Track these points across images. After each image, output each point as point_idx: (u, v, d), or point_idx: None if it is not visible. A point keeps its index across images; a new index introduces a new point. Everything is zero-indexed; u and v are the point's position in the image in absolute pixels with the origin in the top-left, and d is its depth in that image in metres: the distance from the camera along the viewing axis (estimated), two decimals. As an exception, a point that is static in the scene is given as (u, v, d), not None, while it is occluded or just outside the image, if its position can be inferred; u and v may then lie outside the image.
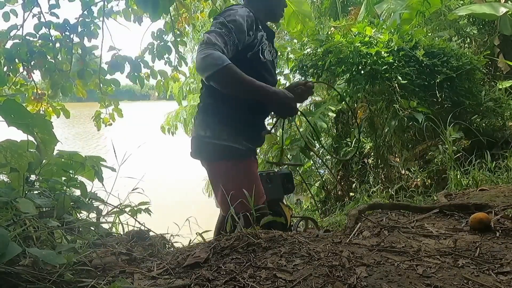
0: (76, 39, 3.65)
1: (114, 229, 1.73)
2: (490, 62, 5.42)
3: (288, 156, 4.53)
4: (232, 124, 1.79)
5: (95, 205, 1.68)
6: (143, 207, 1.72)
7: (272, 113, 1.97)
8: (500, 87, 4.67)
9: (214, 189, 1.89)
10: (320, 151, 5.26)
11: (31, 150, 1.26)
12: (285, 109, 1.66)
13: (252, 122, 1.87)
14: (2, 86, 3.17)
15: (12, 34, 3.41)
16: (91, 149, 13.85)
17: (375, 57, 4.04)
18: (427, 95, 4.07)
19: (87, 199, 1.65)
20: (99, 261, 1.20)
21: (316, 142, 4.92)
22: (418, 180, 4.10)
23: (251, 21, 1.71)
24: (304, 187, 5.50)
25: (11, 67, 3.48)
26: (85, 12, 3.64)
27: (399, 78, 3.93)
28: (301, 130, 4.71)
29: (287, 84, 3.85)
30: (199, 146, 1.86)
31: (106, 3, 3.73)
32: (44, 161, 1.46)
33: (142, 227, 1.58)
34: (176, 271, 1.21)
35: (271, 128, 2.06)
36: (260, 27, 1.81)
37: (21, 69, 3.61)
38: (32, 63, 3.51)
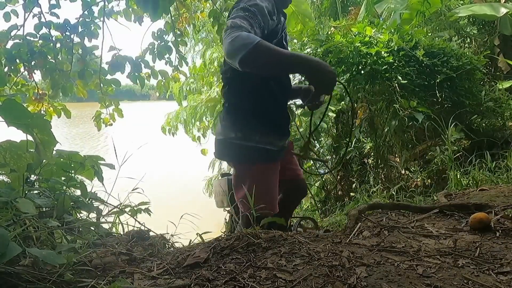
0: (76, 39, 3.64)
1: (114, 229, 1.74)
2: (490, 62, 5.43)
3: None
4: (263, 124, 1.75)
5: (95, 205, 1.69)
6: (143, 207, 1.72)
7: (312, 88, 1.72)
8: (500, 87, 4.67)
9: (236, 187, 1.84)
10: (320, 151, 5.26)
11: (31, 150, 1.27)
12: (327, 81, 1.50)
13: (280, 117, 1.83)
14: (2, 86, 3.17)
15: (12, 34, 3.41)
16: (98, 149, 13.86)
17: (375, 57, 4.03)
18: (427, 95, 4.07)
19: (87, 199, 1.65)
20: (99, 261, 1.20)
21: (316, 142, 4.91)
22: (418, 180, 4.10)
23: (271, 5, 1.66)
24: (304, 187, 5.48)
25: (12, 67, 3.48)
26: (86, 12, 3.63)
27: (399, 78, 3.93)
28: (301, 130, 4.70)
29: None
30: (229, 148, 1.81)
31: (106, 3, 3.73)
32: (44, 161, 1.46)
33: (142, 227, 1.58)
34: (176, 271, 1.21)
35: (305, 103, 1.95)
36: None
37: (22, 69, 3.61)
38: (32, 63, 3.50)
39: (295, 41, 5.61)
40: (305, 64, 1.48)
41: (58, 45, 3.57)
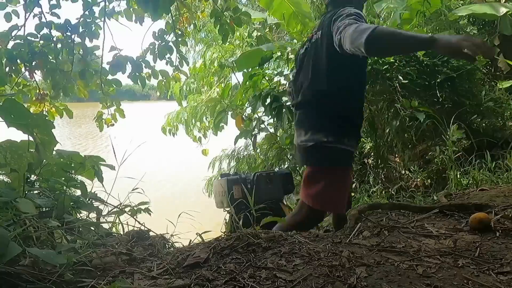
0: (77, 40, 3.64)
1: (114, 229, 1.74)
2: (490, 62, 5.41)
3: (288, 155, 4.52)
4: (350, 126, 1.83)
5: (95, 205, 1.69)
6: (143, 207, 1.72)
7: None
8: (500, 87, 4.67)
9: (310, 183, 1.86)
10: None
11: (31, 150, 1.27)
12: (458, 48, 1.36)
13: (361, 120, 1.92)
14: (2, 86, 3.17)
15: (13, 34, 3.41)
16: (108, 149, 13.81)
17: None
18: (428, 95, 4.07)
19: (87, 199, 1.65)
20: (99, 261, 1.20)
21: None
22: (418, 180, 4.10)
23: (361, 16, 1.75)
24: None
25: (13, 68, 3.48)
26: (87, 12, 3.63)
27: (400, 77, 3.93)
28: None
29: (287, 85, 3.83)
30: (321, 152, 1.82)
31: (107, 3, 3.73)
32: (44, 161, 1.46)
33: (142, 227, 1.58)
34: (176, 271, 1.21)
35: None
36: None
37: (23, 70, 3.61)
38: (33, 64, 3.50)
39: (295, 41, 5.61)
40: (424, 42, 1.45)
41: (59, 45, 3.57)
